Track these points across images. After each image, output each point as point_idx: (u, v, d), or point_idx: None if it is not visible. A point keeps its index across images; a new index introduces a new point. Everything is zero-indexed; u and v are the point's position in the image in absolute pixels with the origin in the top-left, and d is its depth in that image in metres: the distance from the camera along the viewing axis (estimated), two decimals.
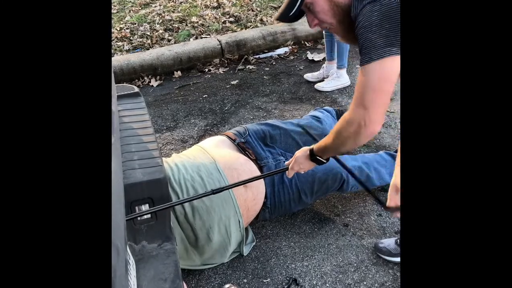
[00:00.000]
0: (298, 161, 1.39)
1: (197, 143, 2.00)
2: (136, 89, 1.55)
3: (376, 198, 1.38)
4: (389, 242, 1.63)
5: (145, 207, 1.12)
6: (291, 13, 1.14)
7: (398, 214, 1.32)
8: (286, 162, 1.47)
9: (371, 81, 1.03)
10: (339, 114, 2.36)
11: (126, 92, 1.49)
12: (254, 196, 1.62)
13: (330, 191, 1.81)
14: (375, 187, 1.93)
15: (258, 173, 1.66)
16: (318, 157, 1.33)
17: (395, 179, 1.33)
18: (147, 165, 1.17)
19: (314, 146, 1.34)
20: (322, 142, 1.29)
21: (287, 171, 1.44)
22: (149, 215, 1.13)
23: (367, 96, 1.04)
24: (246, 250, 1.68)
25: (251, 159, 1.72)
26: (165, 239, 1.15)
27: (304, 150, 1.38)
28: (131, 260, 1.01)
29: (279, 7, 4.43)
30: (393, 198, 1.32)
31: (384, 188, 1.97)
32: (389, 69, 1.02)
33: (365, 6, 1.03)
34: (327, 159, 1.35)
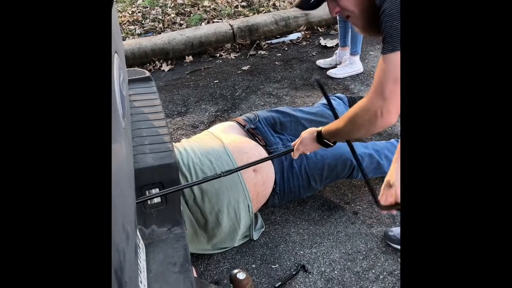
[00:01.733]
0: (304, 142, 1.38)
1: (208, 128, 2.00)
2: (148, 74, 1.55)
3: (372, 190, 1.36)
4: (399, 231, 1.62)
5: (155, 192, 1.13)
6: (311, 0, 1.11)
7: (385, 212, 1.32)
8: (292, 143, 1.45)
9: (393, 72, 1.01)
10: (351, 102, 2.34)
11: (137, 77, 1.49)
12: (264, 181, 1.62)
13: (340, 177, 1.80)
14: (385, 174, 1.92)
15: None
16: (325, 140, 1.32)
17: (389, 175, 1.32)
18: (158, 150, 1.17)
19: (323, 129, 1.32)
20: (333, 125, 1.28)
21: (292, 152, 1.43)
22: (159, 200, 1.13)
23: (387, 86, 1.02)
24: (256, 235, 1.69)
25: (260, 144, 1.72)
26: (175, 223, 1.16)
27: (311, 131, 1.37)
28: (141, 244, 1.02)
29: None
30: (384, 194, 1.31)
31: None
32: None
33: (385, 9, 1.00)
34: (334, 143, 1.34)
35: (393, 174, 1.31)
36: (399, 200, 1.28)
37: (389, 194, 1.30)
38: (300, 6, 1.17)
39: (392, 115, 1.05)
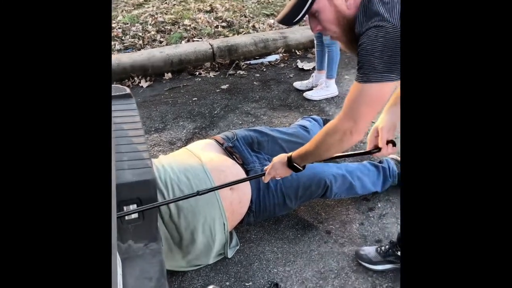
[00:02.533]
0: (275, 167, 1.44)
1: (185, 145, 2.02)
2: (128, 91, 1.57)
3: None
4: (370, 250, 1.67)
5: (133, 207, 1.14)
6: (295, 19, 1.15)
7: (377, 154, 1.39)
8: (265, 168, 1.51)
9: (366, 100, 1.10)
10: (326, 123, 2.41)
11: (118, 93, 1.51)
12: (240, 199, 1.65)
13: (314, 196, 1.85)
14: (357, 195, 1.98)
15: (244, 176, 1.69)
16: (295, 164, 1.39)
17: (378, 122, 1.40)
18: (137, 166, 1.19)
19: (293, 153, 1.39)
20: (302, 149, 1.34)
21: (263, 176, 1.48)
22: (136, 215, 1.14)
23: (359, 110, 1.12)
24: (230, 253, 1.70)
25: (238, 163, 1.75)
26: (152, 239, 1.17)
27: (282, 156, 1.43)
28: (118, 259, 1.03)
29: (272, 14, 4.47)
30: (372, 141, 1.40)
31: (367, 198, 2.02)
32: (385, 92, 1.10)
33: (370, 29, 1.06)
34: (303, 167, 1.41)
35: (382, 120, 1.39)
36: (381, 143, 1.37)
37: (375, 140, 1.39)
38: (283, 22, 1.22)
39: (360, 134, 1.16)
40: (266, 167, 1.49)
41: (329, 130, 1.20)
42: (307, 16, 1.17)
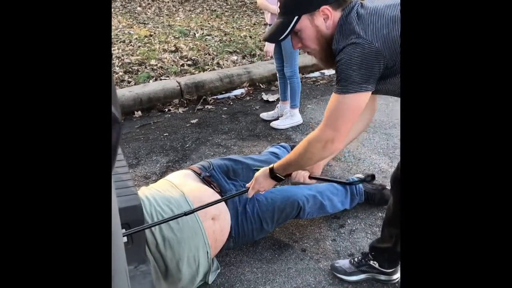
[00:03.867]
0: (258, 181, 1.52)
1: (160, 179, 2.09)
2: None
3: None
4: (344, 262, 1.78)
5: (122, 232, 1.21)
6: (280, 38, 1.29)
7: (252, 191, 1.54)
8: (247, 184, 1.60)
9: (346, 109, 1.23)
10: None
11: None
12: (222, 228, 1.74)
13: (289, 218, 1.95)
14: (328, 214, 2.11)
15: (224, 205, 1.78)
16: (277, 175, 1.48)
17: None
18: (123, 193, 1.27)
19: (274, 165, 1.49)
20: (284, 160, 1.45)
21: (247, 192, 1.56)
22: (125, 239, 1.21)
23: (340, 120, 1.24)
24: (211, 278, 1.76)
25: (216, 191, 1.85)
26: (141, 261, 1.23)
27: (264, 169, 1.53)
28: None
29: (235, 51, 4.68)
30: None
31: (337, 216, 2.15)
32: (361, 101, 1.23)
33: (348, 46, 1.20)
34: (286, 176, 1.51)
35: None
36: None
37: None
38: (270, 40, 1.35)
39: (341, 143, 1.27)
40: (248, 184, 1.58)
41: (311, 140, 1.30)
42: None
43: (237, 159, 2.06)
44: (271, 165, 1.50)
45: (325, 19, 1.26)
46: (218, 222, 1.72)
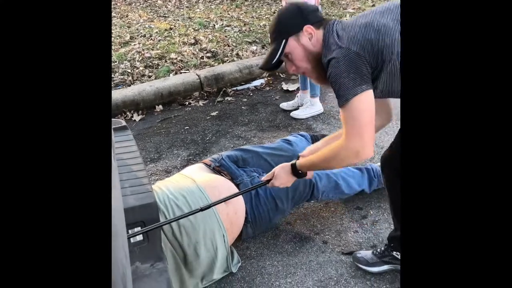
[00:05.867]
0: (279, 176, 1.55)
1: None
2: (124, 123, 1.67)
3: None
4: (367, 253, 1.75)
5: (137, 230, 1.22)
6: (272, 62, 1.37)
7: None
8: (262, 178, 1.61)
9: (357, 115, 1.24)
10: (313, 139, 2.52)
11: (115, 126, 1.60)
12: (236, 210, 1.74)
13: (303, 196, 1.94)
14: (345, 195, 2.07)
15: (236, 190, 1.79)
16: (300, 172, 1.52)
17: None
18: (138, 191, 1.27)
19: (297, 163, 1.51)
20: (308, 160, 1.47)
21: (267, 184, 1.59)
22: (141, 237, 1.22)
23: (357, 126, 1.24)
24: (234, 269, 1.77)
25: (227, 179, 1.85)
26: (157, 259, 1.24)
27: (285, 165, 1.55)
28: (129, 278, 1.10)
29: (254, 41, 4.65)
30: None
31: (359, 206, 2.11)
32: (367, 102, 1.24)
33: (331, 60, 1.25)
34: (305, 173, 1.55)
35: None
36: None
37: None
38: (264, 68, 1.43)
39: (370, 148, 1.27)
40: (264, 177, 1.59)
41: (339, 148, 1.30)
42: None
43: (246, 149, 2.07)
44: (293, 162, 1.53)
45: (310, 38, 1.35)
46: (231, 205, 1.73)
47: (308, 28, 1.34)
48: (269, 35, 1.43)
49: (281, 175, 1.55)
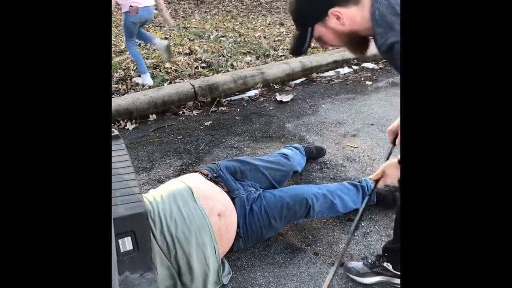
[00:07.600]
0: (390, 172, 1.48)
1: None
2: (116, 132, 1.67)
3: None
4: (357, 263, 1.75)
5: (127, 240, 1.21)
6: (303, 49, 1.33)
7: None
8: (371, 176, 1.55)
9: None
10: (307, 151, 2.53)
11: None
12: (227, 225, 1.73)
13: (298, 216, 1.93)
14: (340, 213, 2.07)
15: (231, 203, 1.78)
16: None
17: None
18: (129, 200, 1.27)
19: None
20: None
21: (376, 185, 1.53)
22: (131, 247, 1.22)
23: None
24: (225, 280, 1.76)
25: (223, 191, 1.85)
26: (147, 269, 1.23)
27: (393, 163, 1.47)
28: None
29: (249, 52, 4.68)
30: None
31: (351, 218, 2.11)
32: None
33: (394, 44, 1.15)
34: None
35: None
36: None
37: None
38: (296, 53, 1.37)
39: None
40: (372, 176, 1.53)
41: None
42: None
43: (244, 160, 2.06)
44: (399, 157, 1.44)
45: (338, 19, 1.24)
46: (224, 219, 1.73)
47: (333, 12, 1.23)
48: (291, 17, 1.36)
49: (393, 172, 1.46)
